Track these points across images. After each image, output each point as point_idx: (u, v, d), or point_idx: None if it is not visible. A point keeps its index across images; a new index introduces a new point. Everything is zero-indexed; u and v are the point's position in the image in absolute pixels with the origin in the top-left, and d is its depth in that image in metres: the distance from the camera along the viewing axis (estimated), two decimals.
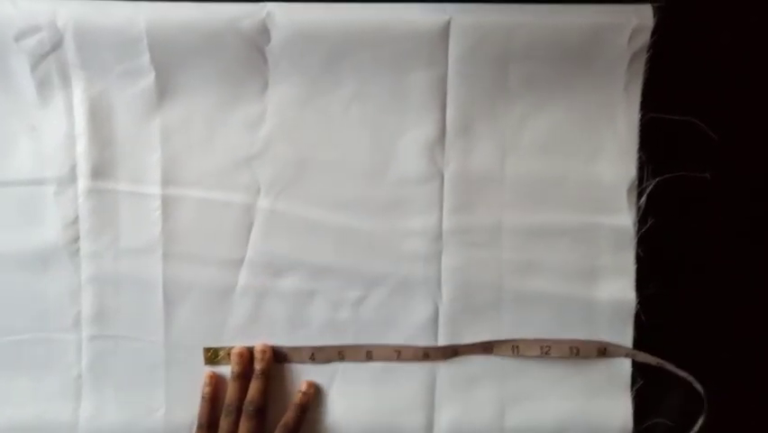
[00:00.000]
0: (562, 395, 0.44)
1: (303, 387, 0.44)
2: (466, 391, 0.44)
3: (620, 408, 0.43)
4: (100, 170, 0.43)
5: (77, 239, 0.43)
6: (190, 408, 0.43)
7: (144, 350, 0.44)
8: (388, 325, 0.44)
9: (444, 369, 0.44)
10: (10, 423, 0.44)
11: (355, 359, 0.44)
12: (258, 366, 0.43)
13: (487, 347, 0.44)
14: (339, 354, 0.44)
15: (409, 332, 0.44)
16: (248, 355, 0.43)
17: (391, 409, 0.44)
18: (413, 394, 0.44)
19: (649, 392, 0.44)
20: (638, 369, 0.43)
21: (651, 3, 0.41)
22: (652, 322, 0.43)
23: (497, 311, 0.44)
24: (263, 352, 0.43)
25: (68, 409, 0.44)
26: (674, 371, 0.43)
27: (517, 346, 0.44)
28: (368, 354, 0.44)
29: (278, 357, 0.44)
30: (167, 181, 0.43)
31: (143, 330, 0.43)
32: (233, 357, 0.43)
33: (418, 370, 0.44)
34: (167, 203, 0.43)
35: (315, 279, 0.43)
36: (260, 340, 0.44)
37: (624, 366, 0.43)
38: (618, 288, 0.43)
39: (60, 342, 0.44)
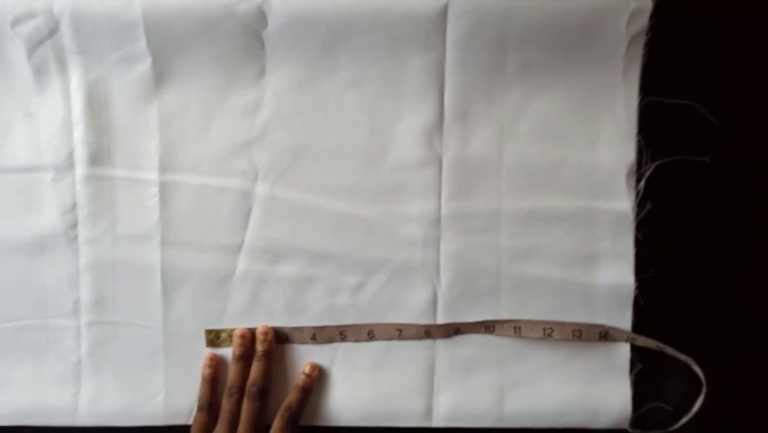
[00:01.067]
0: (561, 380, 0.44)
1: (306, 369, 0.44)
2: (465, 376, 0.44)
3: (619, 392, 0.43)
4: (97, 157, 0.43)
5: (74, 225, 0.43)
6: (189, 393, 0.43)
7: (143, 336, 0.44)
8: (386, 310, 0.44)
9: (444, 353, 0.44)
10: (10, 409, 0.44)
11: (357, 338, 0.44)
12: (260, 347, 0.43)
13: (489, 326, 0.44)
14: (341, 333, 0.44)
15: (408, 318, 0.44)
16: (250, 337, 0.43)
17: (390, 394, 0.44)
18: (412, 379, 0.44)
19: (648, 377, 0.43)
20: (637, 353, 0.43)
21: None
22: (651, 306, 0.43)
23: (495, 297, 0.44)
24: (265, 333, 0.43)
25: (68, 394, 0.44)
26: (674, 354, 0.43)
27: (519, 327, 0.43)
28: (369, 333, 0.44)
29: (280, 338, 0.44)
30: (164, 167, 0.43)
31: (142, 316, 0.44)
32: (235, 339, 0.43)
33: (418, 354, 0.44)
34: (164, 189, 0.43)
35: (313, 265, 0.43)
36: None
37: (623, 351, 0.43)
38: (617, 272, 0.43)
39: (59, 328, 0.44)
